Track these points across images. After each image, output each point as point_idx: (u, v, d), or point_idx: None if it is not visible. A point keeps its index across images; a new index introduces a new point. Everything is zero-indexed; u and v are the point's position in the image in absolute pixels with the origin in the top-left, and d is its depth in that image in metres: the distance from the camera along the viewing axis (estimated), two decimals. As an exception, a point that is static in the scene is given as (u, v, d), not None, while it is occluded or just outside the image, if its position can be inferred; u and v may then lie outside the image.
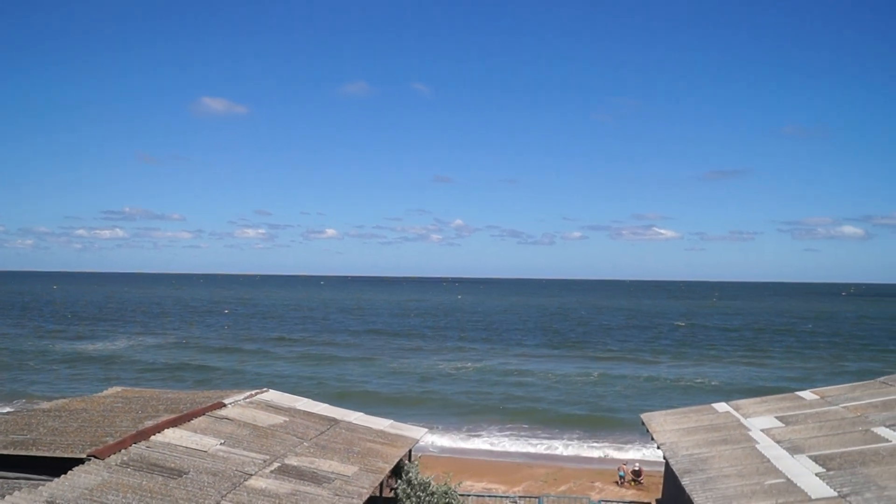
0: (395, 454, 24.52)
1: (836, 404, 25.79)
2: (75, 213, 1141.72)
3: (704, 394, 64.85)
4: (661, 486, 32.44)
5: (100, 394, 28.04)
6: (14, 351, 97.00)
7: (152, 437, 20.07)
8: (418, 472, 26.04)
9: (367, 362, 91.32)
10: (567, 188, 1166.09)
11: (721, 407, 29.11)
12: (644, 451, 44.80)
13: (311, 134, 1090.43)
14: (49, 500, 15.31)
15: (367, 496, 19.85)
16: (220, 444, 20.87)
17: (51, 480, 16.37)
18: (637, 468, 39.29)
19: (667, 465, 25.42)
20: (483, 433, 52.98)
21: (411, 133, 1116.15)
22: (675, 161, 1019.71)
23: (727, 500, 17.94)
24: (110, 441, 18.86)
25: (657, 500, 31.33)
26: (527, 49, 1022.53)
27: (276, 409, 26.45)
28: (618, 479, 39.09)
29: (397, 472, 25.91)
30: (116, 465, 17.73)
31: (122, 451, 18.62)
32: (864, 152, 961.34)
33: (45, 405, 25.73)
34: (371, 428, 27.05)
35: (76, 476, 16.73)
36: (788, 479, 18.56)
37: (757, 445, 22.35)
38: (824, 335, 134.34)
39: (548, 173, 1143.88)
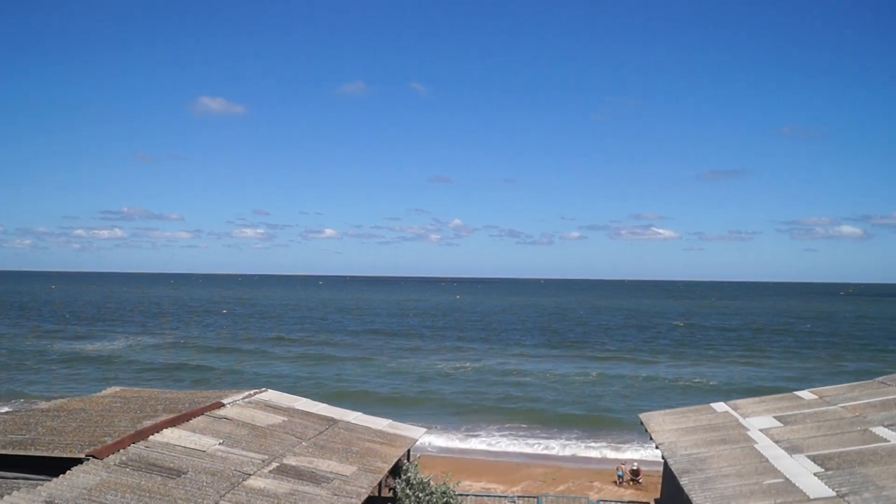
0: (394, 454, 24.52)
1: (835, 404, 25.82)
2: (74, 213, 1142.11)
3: (703, 394, 64.90)
4: (659, 486, 32.47)
5: (98, 394, 28.01)
6: (12, 351, 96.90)
7: (151, 437, 20.06)
8: (417, 472, 26.04)
9: (365, 362, 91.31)
10: (566, 188, 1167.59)
11: (719, 407, 29.12)
12: (642, 450, 44.83)
13: (310, 134, 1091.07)
14: (48, 499, 15.30)
15: (366, 496, 19.84)
16: (219, 443, 20.87)
17: (49, 480, 16.36)
18: (635, 468, 39.32)
19: (665, 464, 25.43)
20: (481, 433, 52.99)
21: (410, 133, 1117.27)
22: (674, 161, 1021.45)
23: (726, 499, 17.95)
24: (109, 441, 18.84)
25: (656, 500, 31.34)
26: (526, 49, 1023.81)
27: (275, 408, 26.44)
28: (616, 478, 39.12)
29: (396, 471, 25.91)
30: (115, 464, 17.72)
31: (121, 450, 18.61)
32: (863, 152, 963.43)
33: (44, 405, 25.71)
34: (370, 428, 27.05)
35: (75, 476, 16.72)
36: (787, 479, 18.57)
37: (755, 445, 22.36)
38: (823, 335, 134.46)
39: (546, 173, 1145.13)
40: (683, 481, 20.03)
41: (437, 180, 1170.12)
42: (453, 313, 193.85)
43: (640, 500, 32.75)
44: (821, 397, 27.52)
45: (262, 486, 18.38)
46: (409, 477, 25.57)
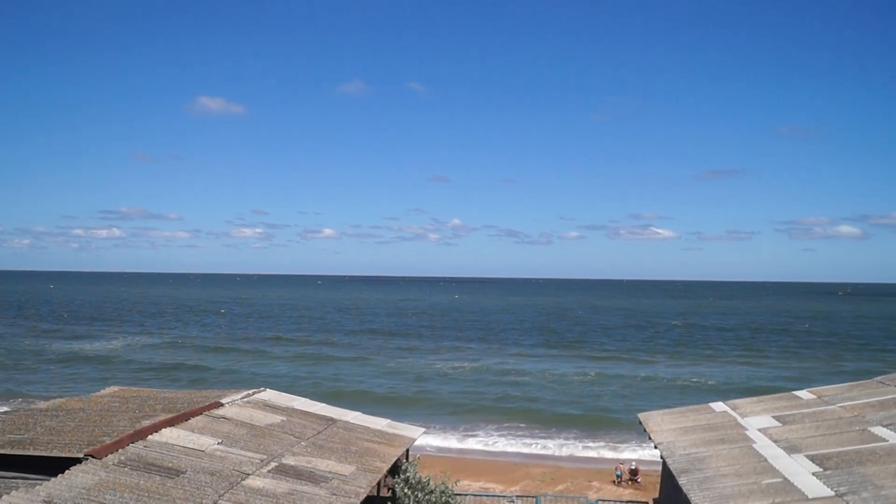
0: (393, 454, 24.51)
1: (833, 404, 25.83)
2: (72, 213, 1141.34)
3: (701, 393, 64.92)
4: (658, 486, 32.48)
5: (97, 393, 27.98)
6: (10, 350, 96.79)
7: (149, 437, 20.04)
8: (416, 472, 26.03)
9: (363, 362, 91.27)
10: (564, 188, 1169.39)
11: (718, 406, 29.13)
12: (641, 450, 44.84)
13: (309, 133, 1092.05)
14: (46, 499, 15.28)
15: (365, 495, 19.83)
16: (218, 443, 20.85)
17: (48, 480, 16.34)
18: (634, 467, 39.34)
19: (664, 464, 25.43)
20: (480, 433, 52.98)
21: (409, 133, 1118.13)
22: (673, 161, 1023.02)
23: (724, 499, 17.96)
24: (107, 441, 18.82)
25: (654, 500, 31.35)
26: (525, 49, 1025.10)
27: (274, 408, 26.42)
28: (615, 478, 39.14)
29: (395, 471, 25.90)
30: (114, 464, 17.70)
31: (120, 450, 18.59)
32: (862, 152, 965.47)
33: (42, 405, 25.67)
34: (368, 427, 27.03)
35: (73, 476, 16.70)
36: (785, 479, 18.58)
37: (754, 445, 22.37)
38: (821, 335, 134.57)
39: (545, 173, 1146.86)
40: (682, 481, 20.03)
41: (435, 180, 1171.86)
42: (452, 313, 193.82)
43: (638, 499, 32.76)
44: (819, 397, 27.54)
45: (261, 486, 18.37)
46: (408, 476, 25.56)
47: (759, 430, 24.16)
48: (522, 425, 55.37)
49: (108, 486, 16.39)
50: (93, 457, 17.74)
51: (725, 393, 54.98)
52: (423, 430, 30.49)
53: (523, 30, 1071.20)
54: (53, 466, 17.34)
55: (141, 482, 16.94)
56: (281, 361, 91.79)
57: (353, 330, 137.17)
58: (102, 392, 28.15)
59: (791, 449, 21.21)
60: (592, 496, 33.91)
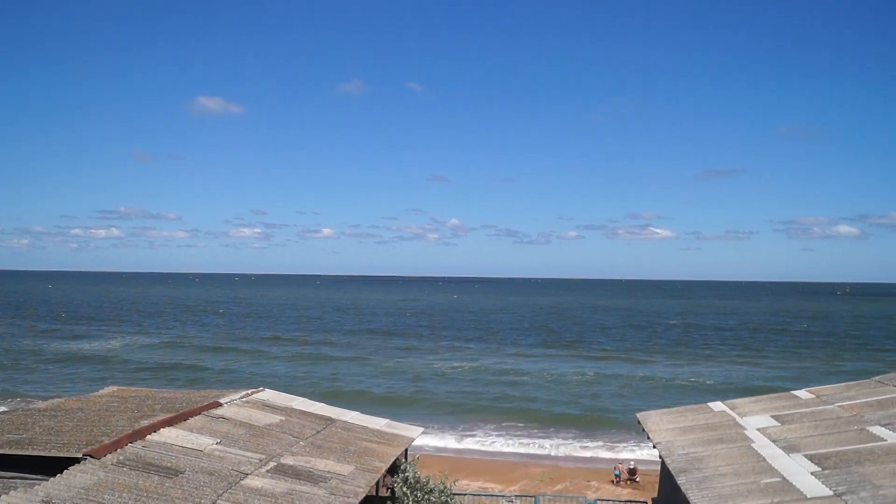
0: (392, 453, 24.52)
1: (832, 403, 25.86)
2: (71, 213, 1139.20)
3: (700, 393, 64.94)
4: (656, 485, 32.50)
5: (96, 393, 27.97)
6: (8, 350, 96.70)
7: (148, 437, 20.03)
8: (416, 471, 26.02)
9: (362, 362, 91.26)
10: (563, 188, 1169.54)
11: (717, 406, 29.15)
12: (639, 450, 44.86)
13: (308, 133, 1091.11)
14: (45, 499, 15.26)
15: (364, 495, 19.83)
16: (217, 443, 20.84)
17: (47, 480, 16.33)
18: (632, 467, 39.36)
19: (663, 463, 25.46)
20: (478, 433, 52.98)
21: (408, 132, 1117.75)
22: (671, 160, 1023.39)
23: (723, 498, 17.97)
24: (106, 440, 18.81)
25: (653, 499, 31.37)
26: (524, 49, 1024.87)
27: (273, 408, 26.41)
28: (613, 478, 39.15)
29: (393, 471, 25.90)
30: (112, 464, 17.69)
31: (118, 450, 18.58)
32: (860, 152, 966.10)
33: (41, 405, 25.65)
34: (367, 427, 27.03)
35: (72, 475, 16.68)
36: (784, 478, 18.59)
37: (753, 444, 22.39)
38: (820, 334, 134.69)
39: (544, 173, 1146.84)
40: (681, 480, 20.04)
41: (434, 180, 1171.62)
42: (450, 313, 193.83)
43: (637, 499, 32.77)
44: (818, 396, 27.56)
45: (260, 486, 18.36)
46: (408, 476, 25.55)
47: (758, 429, 24.18)
48: (521, 425, 55.38)
49: (107, 485, 16.37)
50: (91, 457, 17.73)
51: (724, 392, 55.00)
52: (422, 429, 30.50)
53: (522, 30, 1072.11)
54: (52, 466, 17.33)
55: (139, 482, 16.93)
56: (279, 361, 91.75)
57: (351, 330, 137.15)
58: (101, 392, 28.14)
59: (790, 448, 21.23)
60: (591, 496, 33.93)
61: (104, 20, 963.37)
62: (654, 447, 25.41)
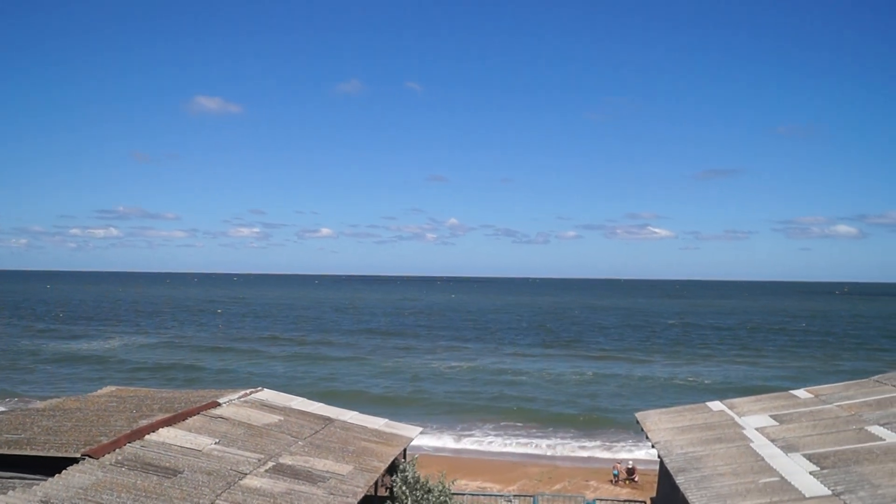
0: (390, 453, 24.51)
1: (831, 403, 25.88)
2: (69, 213, 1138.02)
3: (698, 393, 64.99)
4: (655, 485, 32.51)
5: (94, 393, 27.94)
6: (6, 350, 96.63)
7: (147, 437, 20.01)
8: (415, 471, 26.03)
9: (360, 361, 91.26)
10: (562, 187, 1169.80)
11: (715, 405, 29.16)
12: (637, 450, 44.88)
13: (306, 133, 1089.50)
14: (43, 499, 15.25)
15: (363, 495, 19.83)
16: (215, 443, 20.82)
17: (45, 480, 16.31)
18: (631, 466, 39.39)
19: (661, 463, 25.47)
20: (477, 432, 53.00)
21: (407, 132, 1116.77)
22: (670, 160, 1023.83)
23: (722, 498, 17.98)
24: (105, 440, 18.79)
25: (652, 499, 31.39)
26: (523, 48, 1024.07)
27: (271, 408, 26.40)
28: (612, 477, 39.18)
29: (392, 470, 25.90)
30: (111, 464, 17.68)
31: (117, 450, 18.56)
32: (859, 151, 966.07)
33: (40, 404, 25.62)
34: (366, 427, 27.03)
35: (70, 475, 16.67)
36: (783, 478, 18.60)
37: (751, 444, 22.40)
38: (818, 334, 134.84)
39: (543, 173, 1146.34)
40: (679, 480, 20.05)
41: (433, 179, 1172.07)
42: (449, 313, 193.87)
43: (636, 498, 32.79)
44: (816, 396, 27.59)
45: (259, 486, 18.36)
46: (407, 476, 25.56)
47: (757, 429, 24.19)
48: (519, 425, 55.41)
49: (106, 485, 16.36)
50: (90, 457, 17.71)
51: (722, 392, 55.04)
52: (421, 429, 30.50)
53: (522, 30, 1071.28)
54: (50, 466, 17.30)
55: (138, 482, 16.91)
56: (278, 361, 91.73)
57: (350, 329, 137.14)
58: (99, 392, 28.11)
59: (788, 448, 21.25)
60: (590, 495, 33.95)
61: (103, 20, 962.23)
62: (653, 447, 25.42)
